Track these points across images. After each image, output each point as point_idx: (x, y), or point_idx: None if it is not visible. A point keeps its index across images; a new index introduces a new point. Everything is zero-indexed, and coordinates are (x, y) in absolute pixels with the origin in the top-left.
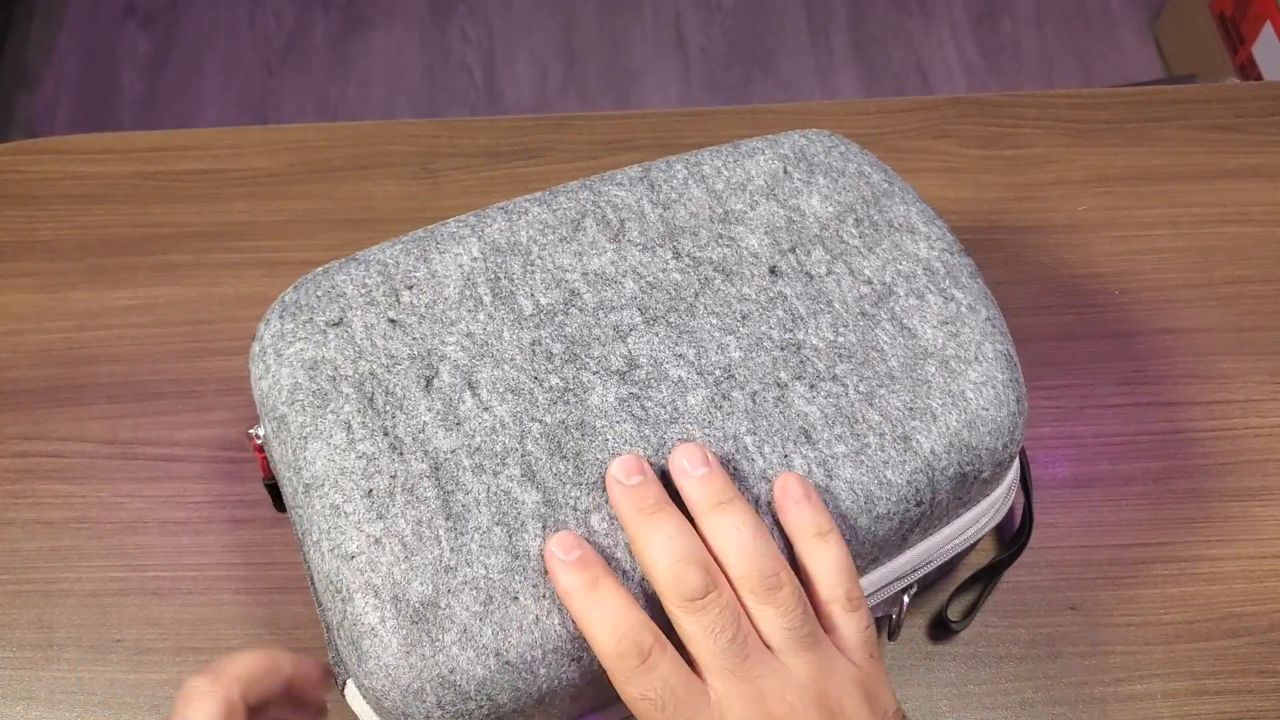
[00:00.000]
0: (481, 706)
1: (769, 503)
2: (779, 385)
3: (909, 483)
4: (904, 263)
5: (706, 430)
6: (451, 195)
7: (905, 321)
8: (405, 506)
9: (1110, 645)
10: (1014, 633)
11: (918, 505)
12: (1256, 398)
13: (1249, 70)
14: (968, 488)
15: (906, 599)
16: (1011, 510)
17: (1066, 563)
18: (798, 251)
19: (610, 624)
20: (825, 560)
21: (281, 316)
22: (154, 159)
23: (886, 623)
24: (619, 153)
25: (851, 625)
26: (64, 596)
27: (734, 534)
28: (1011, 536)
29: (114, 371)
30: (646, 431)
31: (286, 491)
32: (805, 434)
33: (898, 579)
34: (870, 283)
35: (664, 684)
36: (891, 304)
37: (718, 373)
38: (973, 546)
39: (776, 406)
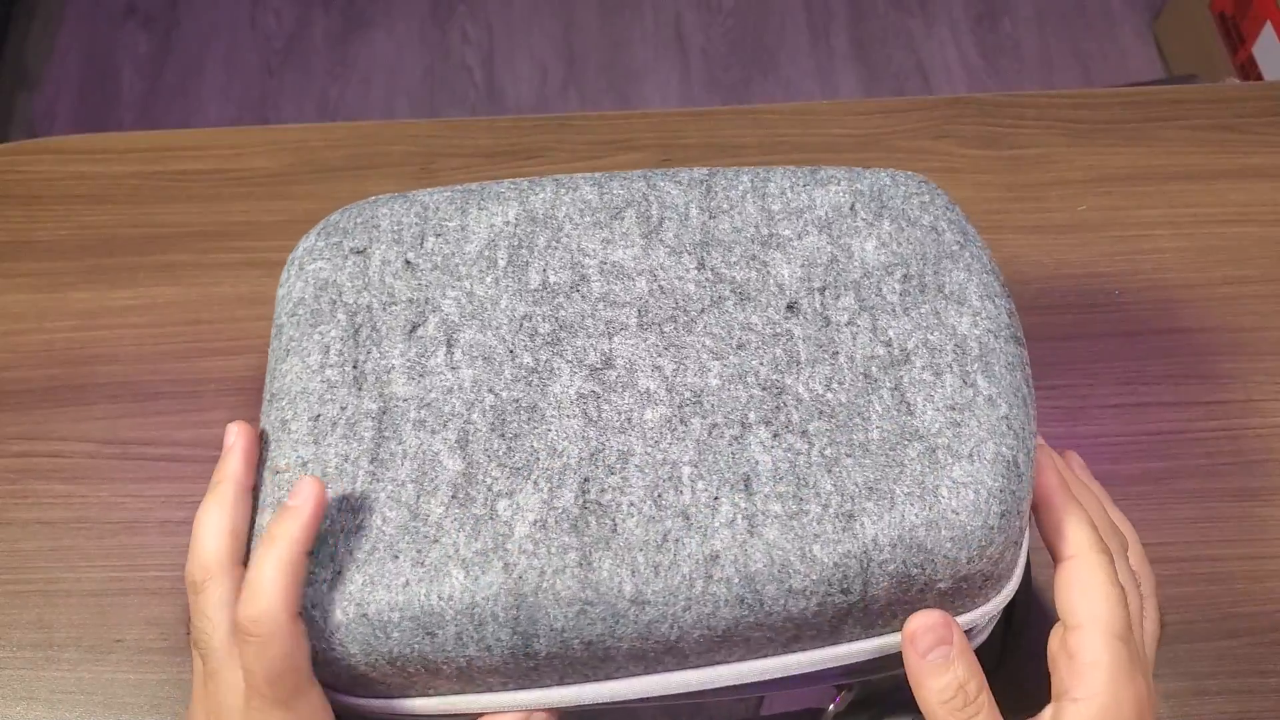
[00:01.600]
0: (333, 649)
1: (671, 536)
2: (742, 425)
3: (836, 565)
4: (936, 333)
5: (651, 449)
6: None
7: (907, 395)
8: (340, 439)
9: None
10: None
11: (843, 593)
12: (1256, 398)
13: (1249, 70)
14: (917, 593)
15: (841, 697)
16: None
17: None
18: (826, 293)
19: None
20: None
21: (319, 233)
22: (154, 159)
23: (818, 715)
24: (619, 153)
25: None
26: (64, 596)
27: None
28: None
29: (114, 371)
30: (591, 433)
31: (263, 396)
32: (746, 482)
33: (831, 667)
34: (889, 345)
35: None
36: (900, 373)
37: (686, 394)
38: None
39: (730, 446)
